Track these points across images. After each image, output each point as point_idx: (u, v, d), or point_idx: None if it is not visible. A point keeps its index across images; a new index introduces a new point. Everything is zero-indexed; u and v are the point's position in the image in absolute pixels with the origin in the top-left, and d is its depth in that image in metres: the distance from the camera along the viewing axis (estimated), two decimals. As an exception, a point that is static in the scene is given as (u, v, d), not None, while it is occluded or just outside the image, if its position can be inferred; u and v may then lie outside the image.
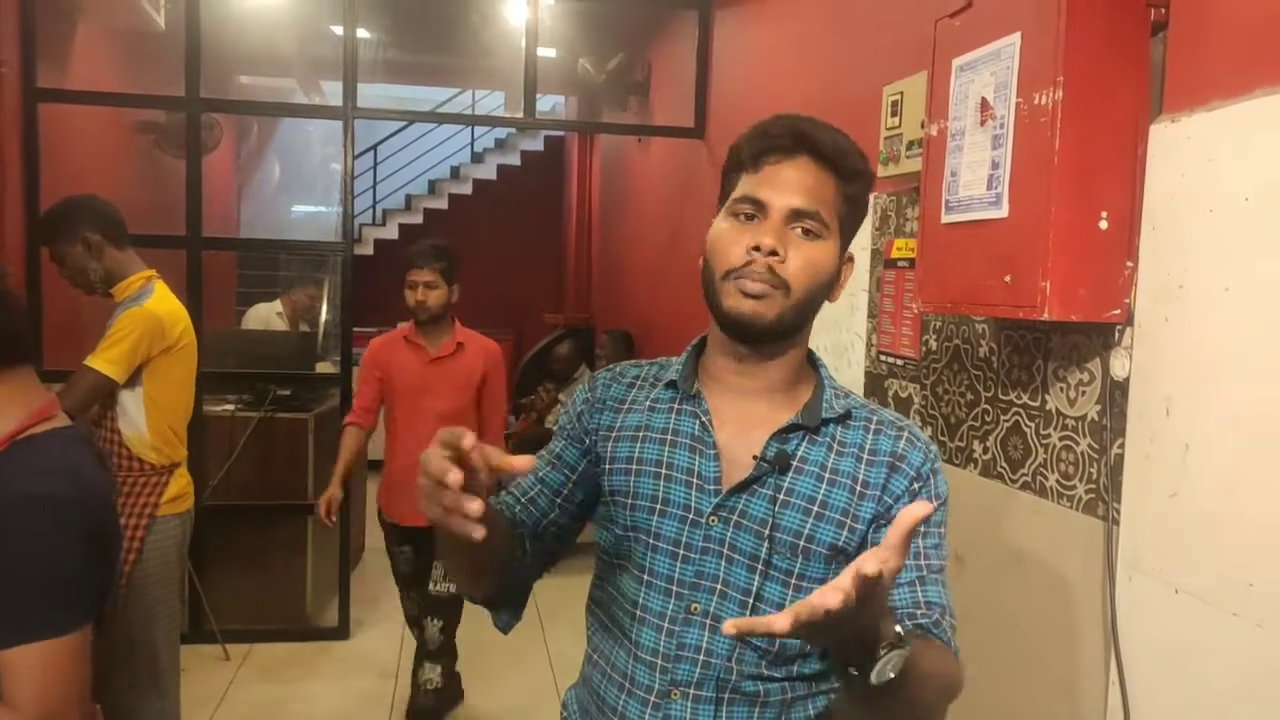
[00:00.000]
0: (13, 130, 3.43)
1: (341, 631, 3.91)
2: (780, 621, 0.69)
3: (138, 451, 2.35)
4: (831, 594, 0.67)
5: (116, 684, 2.24)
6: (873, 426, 1.06)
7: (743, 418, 1.05)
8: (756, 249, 0.97)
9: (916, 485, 1.03)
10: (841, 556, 1.01)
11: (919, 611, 0.97)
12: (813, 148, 1.00)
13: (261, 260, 8.29)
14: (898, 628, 0.78)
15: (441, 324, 3.07)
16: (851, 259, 1.07)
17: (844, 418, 1.05)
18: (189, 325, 2.47)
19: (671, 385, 1.09)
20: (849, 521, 1.01)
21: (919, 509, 0.71)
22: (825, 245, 1.01)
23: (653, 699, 1.02)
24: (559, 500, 1.12)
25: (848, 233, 1.05)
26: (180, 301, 2.50)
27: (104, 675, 1.43)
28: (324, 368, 4.42)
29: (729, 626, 0.71)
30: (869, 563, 0.68)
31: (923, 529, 1.01)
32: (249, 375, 3.89)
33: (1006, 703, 1.69)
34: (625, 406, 1.11)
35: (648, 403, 1.10)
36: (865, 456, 1.03)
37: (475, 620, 1.14)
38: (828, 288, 1.03)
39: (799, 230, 0.99)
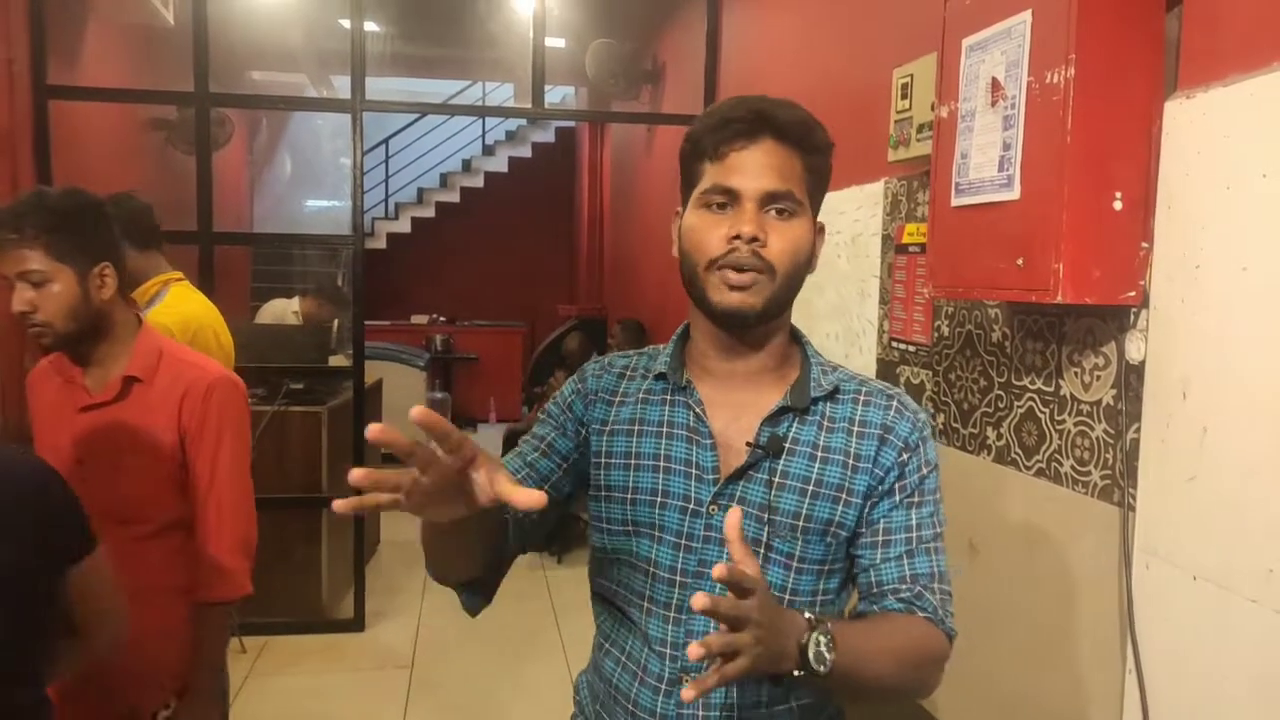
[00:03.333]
0: (24, 128, 3.43)
1: (357, 624, 3.92)
2: (711, 680, 0.77)
3: None
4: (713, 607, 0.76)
5: None
6: (862, 398, 1.06)
7: (734, 404, 1.06)
8: (737, 237, 0.98)
9: (905, 456, 1.04)
10: (841, 532, 1.03)
11: (903, 587, 1.00)
12: (775, 128, 1.00)
13: (276, 256, 8.33)
14: (806, 615, 0.85)
15: (99, 341, 1.60)
16: (822, 228, 1.07)
17: (832, 394, 1.06)
18: (204, 327, 2.41)
19: (661, 377, 1.09)
20: (844, 496, 1.02)
21: (732, 517, 0.80)
22: (800, 222, 1.02)
23: (664, 687, 1.03)
24: (547, 488, 1.09)
25: (816, 204, 1.05)
26: (200, 303, 2.46)
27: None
28: (338, 361, 4.42)
29: (689, 693, 0.76)
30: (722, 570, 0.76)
31: (915, 498, 1.03)
32: (262, 369, 3.89)
33: (1021, 691, 1.67)
34: (617, 399, 1.11)
35: (640, 394, 1.10)
36: (856, 429, 1.04)
37: (493, 609, 1.14)
38: (808, 263, 1.04)
39: (773, 212, 1.00)
